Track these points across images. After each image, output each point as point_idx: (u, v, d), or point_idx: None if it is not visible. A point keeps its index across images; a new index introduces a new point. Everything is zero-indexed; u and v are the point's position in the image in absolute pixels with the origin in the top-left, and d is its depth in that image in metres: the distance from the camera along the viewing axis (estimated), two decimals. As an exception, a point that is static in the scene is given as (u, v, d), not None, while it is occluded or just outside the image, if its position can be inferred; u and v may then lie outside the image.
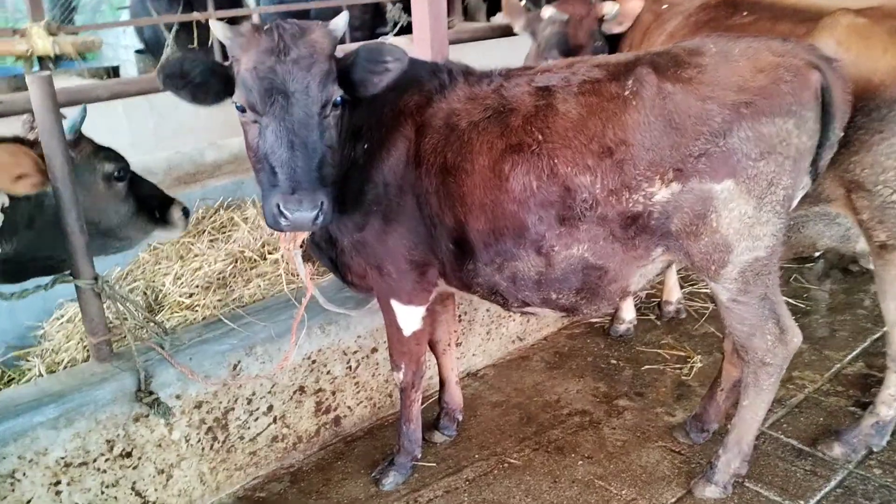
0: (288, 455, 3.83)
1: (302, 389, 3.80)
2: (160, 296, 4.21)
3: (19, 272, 3.34)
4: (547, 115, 2.93)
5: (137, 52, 8.77)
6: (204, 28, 6.99)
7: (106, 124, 4.53)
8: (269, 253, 4.45)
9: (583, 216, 2.91)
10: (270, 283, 4.18)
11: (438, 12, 4.00)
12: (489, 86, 3.13)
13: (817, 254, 5.54)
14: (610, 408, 4.17)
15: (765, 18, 3.57)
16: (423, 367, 3.58)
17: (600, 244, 2.95)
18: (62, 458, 3.06)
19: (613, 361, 4.64)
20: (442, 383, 3.99)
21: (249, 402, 3.62)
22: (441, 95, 3.13)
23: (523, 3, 4.81)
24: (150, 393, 3.24)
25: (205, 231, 4.69)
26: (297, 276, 4.04)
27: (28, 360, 3.96)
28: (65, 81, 6.36)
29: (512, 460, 3.79)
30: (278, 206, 2.66)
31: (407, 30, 4.77)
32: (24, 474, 2.97)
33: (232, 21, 7.29)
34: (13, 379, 3.97)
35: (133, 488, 3.30)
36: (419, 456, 3.73)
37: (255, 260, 4.40)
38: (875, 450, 3.63)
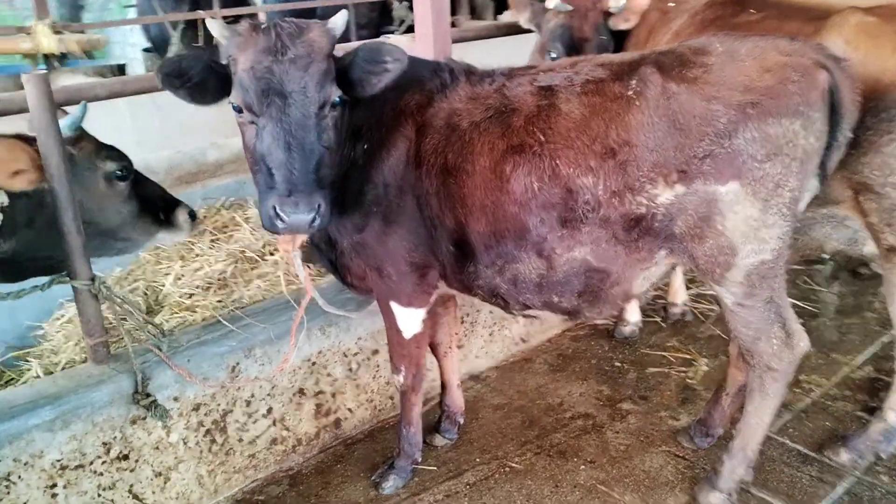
0: (287, 458, 3.80)
1: (302, 392, 3.76)
2: (160, 296, 4.18)
3: (18, 272, 3.31)
4: (549, 116, 2.88)
5: (145, 50, 8.76)
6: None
7: (111, 122, 4.50)
8: (271, 253, 4.42)
9: (585, 218, 2.86)
10: (271, 284, 4.15)
11: (441, 9, 3.95)
12: (491, 85, 3.08)
13: (826, 256, 5.47)
14: (613, 411, 4.12)
15: (772, 17, 3.52)
16: (424, 370, 3.54)
17: (602, 247, 2.90)
18: (58, 460, 3.03)
19: (618, 364, 4.58)
20: (443, 386, 3.94)
21: (248, 404, 3.58)
22: (442, 95, 3.09)
23: None
24: (147, 395, 3.21)
25: (206, 231, 4.66)
26: (297, 277, 4.00)
27: (28, 361, 3.92)
28: (69, 79, 6.37)
29: (513, 464, 3.75)
30: (274, 209, 2.62)
31: (413, 28, 4.72)
32: (20, 477, 2.94)
33: (238, 19, 7.30)
34: (12, 379, 3.94)
35: (130, 491, 3.27)
36: (419, 459, 3.70)
37: (255, 260, 4.36)
38: (883, 456, 3.58)
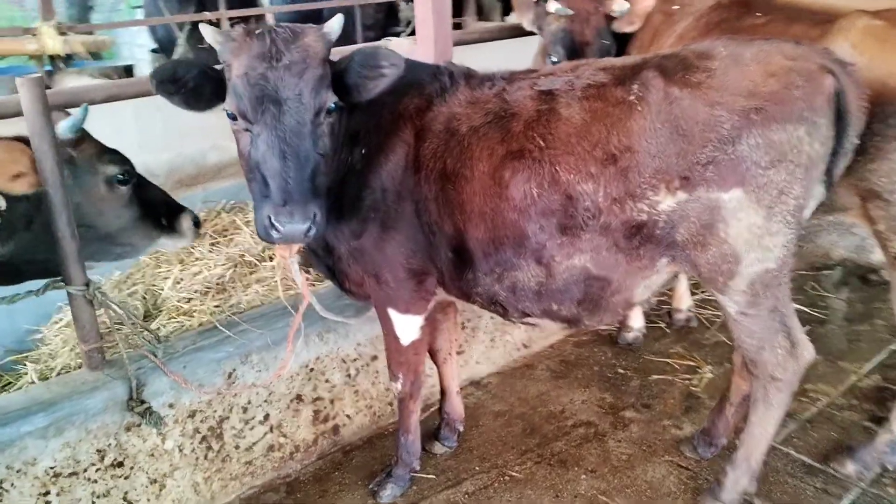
0: (285, 465, 3.76)
1: (299, 398, 3.72)
2: (159, 300, 4.15)
3: (16, 274, 3.29)
4: (549, 121, 2.84)
5: (152, 51, 8.76)
6: (216, 27, 6.97)
7: (115, 125, 4.46)
8: (270, 258, 4.38)
9: (585, 225, 2.81)
10: (270, 289, 4.12)
11: (442, 11, 3.90)
12: (491, 89, 3.04)
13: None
14: (616, 420, 4.06)
15: (778, 20, 3.46)
16: (422, 378, 3.49)
17: (603, 254, 2.85)
18: (51, 467, 3.00)
19: (621, 371, 4.53)
20: (443, 393, 3.90)
21: (245, 410, 3.55)
22: (441, 99, 3.05)
23: None
24: (142, 402, 3.18)
25: (206, 234, 4.62)
26: (295, 283, 3.96)
27: (25, 365, 3.90)
28: (74, 80, 6.35)
29: (513, 473, 3.70)
30: (269, 219, 2.58)
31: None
32: (13, 485, 2.91)
33: (243, 20, 7.30)
34: (10, 383, 3.92)
35: (125, 498, 3.24)
36: (418, 468, 3.65)
37: (255, 264, 4.33)
38: (889, 468, 3.51)
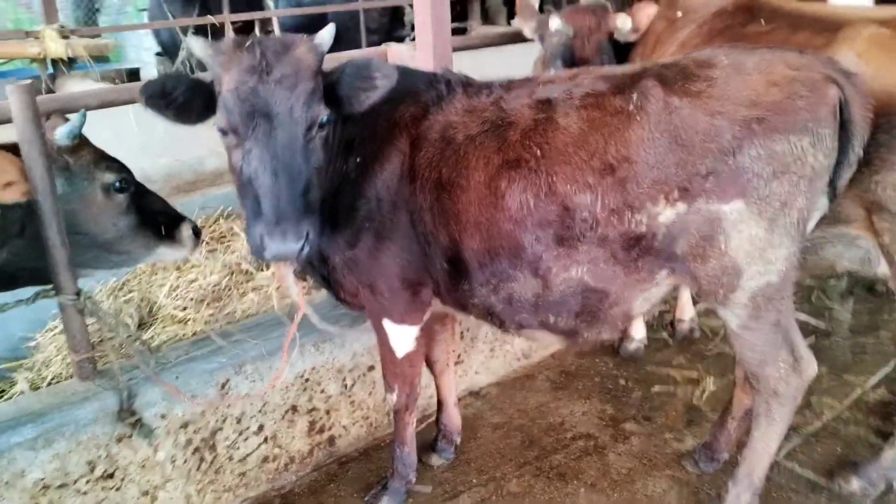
0: (279, 476, 3.71)
1: (294, 409, 3.67)
2: (154, 308, 4.10)
3: (10, 281, 3.25)
4: (546, 130, 2.78)
5: (157, 54, 8.75)
6: (219, 31, 6.95)
7: (117, 129, 4.42)
8: (266, 266, 4.33)
9: (582, 237, 2.75)
10: (266, 298, 4.07)
11: (441, 17, 3.85)
12: (488, 97, 2.99)
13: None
14: (616, 432, 4.00)
15: (783, 27, 3.40)
16: (418, 389, 3.43)
17: (601, 266, 2.79)
18: (41, 479, 2.96)
19: (622, 382, 4.46)
20: (440, 404, 3.84)
21: (239, 421, 3.50)
22: (438, 107, 3.00)
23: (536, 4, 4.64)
24: (133, 413, 3.14)
25: (204, 241, 4.58)
26: (290, 293, 3.92)
27: (18, 372, 3.86)
28: (78, 84, 6.33)
29: (511, 486, 3.64)
30: (262, 238, 2.52)
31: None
32: (1, 497, 2.87)
33: (247, 24, 7.27)
34: (2, 392, 3.88)
35: (116, 510, 3.20)
36: (413, 480, 3.59)
37: (251, 273, 4.28)
38: (895, 485, 3.43)
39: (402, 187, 2.95)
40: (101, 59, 7.59)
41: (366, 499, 3.57)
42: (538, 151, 2.76)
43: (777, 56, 2.70)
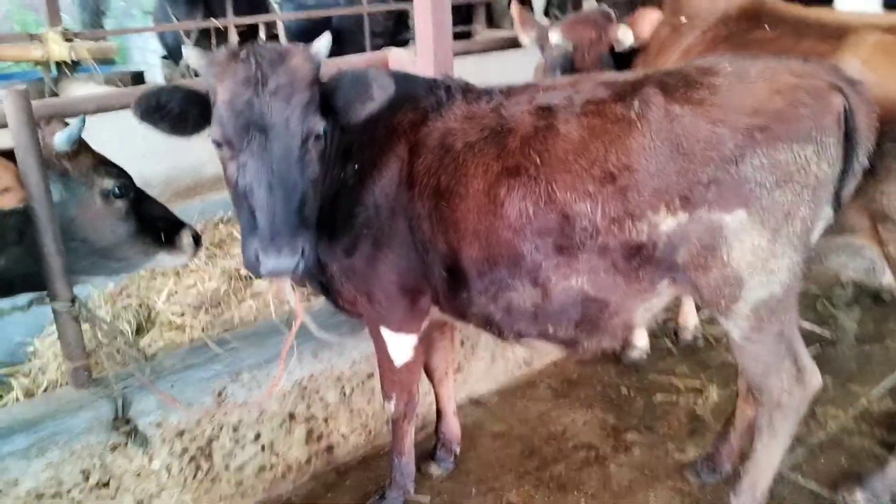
0: (276, 485, 3.66)
1: (292, 416, 3.63)
2: (152, 313, 4.08)
3: (8, 287, 3.23)
4: (546, 137, 2.75)
5: (163, 57, 8.74)
6: (223, 34, 6.95)
7: (121, 132, 4.39)
8: (265, 274, 4.31)
9: (582, 246, 2.72)
10: (265, 304, 4.04)
11: (442, 23, 3.82)
12: (488, 104, 2.95)
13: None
14: (618, 442, 3.95)
15: (787, 34, 3.36)
16: (416, 398, 3.40)
17: (601, 276, 2.76)
18: (34, 488, 2.93)
19: (624, 391, 4.41)
20: (439, 413, 3.80)
21: (235, 429, 3.46)
22: (437, 113, 2.96)
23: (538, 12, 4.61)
24: (128, 421, 3.10)
25: (203, 246, 4.55)
26: (288, 301, 3.89)
27: (14, 378, 3.84)
28: (81, 87, 6.31)
29: (511, 497, 3.59)
30: (257, 255, 2.49)
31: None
32: (-6, 506, 2.85)
33: (251, 27, 7.25)
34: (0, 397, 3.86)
35: (110, 519, 3.16)
36: (412, 490, 3.55)
37: (250, 278, 4.25)
38: (901, 498, 3.38)
39: (401, 194, 2.92)
40: (106, 61, 7.59)
41: (363, 508, 3.54)
42: (538, 159, 2.73)
43: (781, 64, 2.67)
